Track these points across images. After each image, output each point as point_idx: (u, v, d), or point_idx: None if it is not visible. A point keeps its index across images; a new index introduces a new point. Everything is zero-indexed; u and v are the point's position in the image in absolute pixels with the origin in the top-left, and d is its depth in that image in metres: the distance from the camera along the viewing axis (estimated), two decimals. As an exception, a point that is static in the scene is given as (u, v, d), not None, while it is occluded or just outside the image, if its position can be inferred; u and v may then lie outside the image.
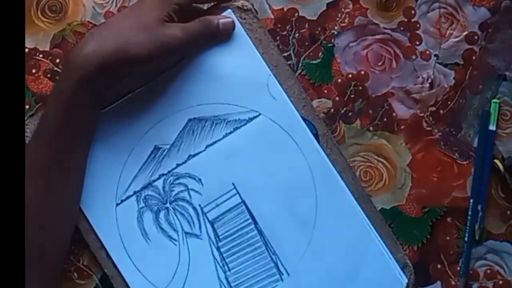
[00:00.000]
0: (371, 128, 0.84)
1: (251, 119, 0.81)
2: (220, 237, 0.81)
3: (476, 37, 0.84)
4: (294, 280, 0.81)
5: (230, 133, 0.81)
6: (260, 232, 0.81)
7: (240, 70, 0.81)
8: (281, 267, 0.81)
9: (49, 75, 0.85)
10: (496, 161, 0.83)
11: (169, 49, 0.76)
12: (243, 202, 0.81)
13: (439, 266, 0.84)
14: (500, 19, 0.84)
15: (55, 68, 0.85)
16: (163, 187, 0.81)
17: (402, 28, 0.84)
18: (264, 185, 0.80)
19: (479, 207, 0.83)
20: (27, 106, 0.84)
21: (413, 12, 0.84)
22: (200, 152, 0.81)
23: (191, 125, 0.81)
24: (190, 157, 0.81)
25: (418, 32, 0.84)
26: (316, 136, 0.81)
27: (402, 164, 0.84)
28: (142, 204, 0.81)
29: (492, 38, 0.84)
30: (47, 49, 0.85)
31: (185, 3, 0.78)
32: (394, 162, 0.84)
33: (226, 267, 0.81)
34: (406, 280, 0.81)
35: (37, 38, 0.85)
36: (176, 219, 0.82)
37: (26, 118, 0.83)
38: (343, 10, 0.85)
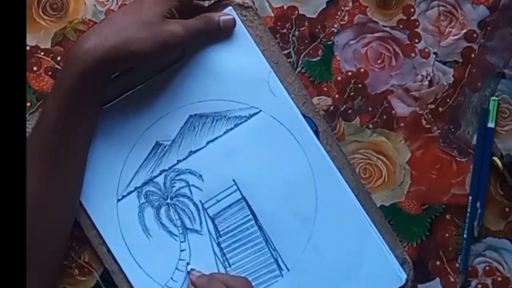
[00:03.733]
0: (370, 126, 0.85)
1: (251, 116, 0.81)
2: (221, 232, 0.81)
3: (475, 35, 0.84)
4: (294, 276, 0.81)
5: (230, 129, 0.81)
6: (260, 228, 0.81)
7: (241, 67, 0.81)
8: (281, 263, 0.81)
9: (50, 73, 0.85)
10: (495, 158, 0.83)
11: (169, 45, 0.76)
12: (244, 198, 0.81)
13: (438, 262, 0.84)
14: (499, 17, 0.84)
15: (56, 66, 0.85)
16: (164, 183, 0.82)
17: (401, 26, 0.85)
18: (265, 181, 0.81)
19: (478, 204, 0.83)
20: (28, 104, 0.84)
21: (412, 10, 0.85)
22: (201, 148, 0.81)
23: (192, 122, 0.81)
24: (191, 153, 0.81)
25: (417, 30, 0.85)
26: (316, 132, 0.81)
27: (401, 162, 0.84)
28: (143, 200, 0.82)
29: (491, 36, 0.84)
30: (48, 47, 0.85)
31: (186, 0, 0.78)
32: (393, 159, 0.84)
33: (226, 263, 0.81)
34: (405, 276, 0.81)
35: (38, 36, 0.85)
36: (177, 215, 0.82)
37: (27, 115, 0.83)
38: (342, 8, 0.85)
